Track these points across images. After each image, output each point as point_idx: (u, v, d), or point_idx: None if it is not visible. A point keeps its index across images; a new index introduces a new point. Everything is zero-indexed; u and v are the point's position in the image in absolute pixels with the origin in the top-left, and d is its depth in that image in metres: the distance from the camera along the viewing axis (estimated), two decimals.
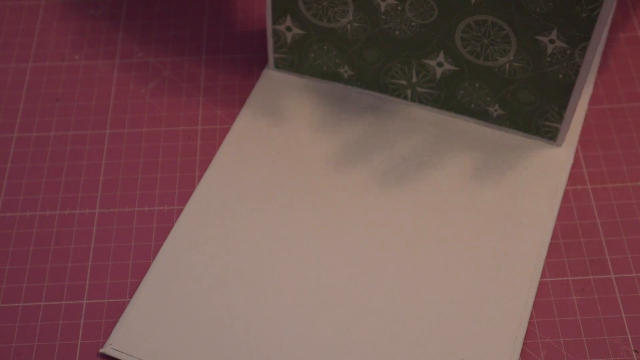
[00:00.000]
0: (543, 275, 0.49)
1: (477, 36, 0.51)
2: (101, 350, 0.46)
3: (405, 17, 0.52)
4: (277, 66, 0.58)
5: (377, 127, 0.55)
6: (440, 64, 0.53)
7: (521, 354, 0.46)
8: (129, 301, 0.48)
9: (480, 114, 0.55)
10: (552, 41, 0.49)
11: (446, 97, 0.55)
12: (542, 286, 0.49)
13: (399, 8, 0.51)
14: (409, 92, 0.56)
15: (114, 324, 0.48)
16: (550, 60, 0.50)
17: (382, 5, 0.52)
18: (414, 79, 0.55)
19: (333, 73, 0.57)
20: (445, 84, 0.54)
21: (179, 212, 0.52)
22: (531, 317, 0.47)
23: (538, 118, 0.53)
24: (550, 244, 0.50)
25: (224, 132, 0.56)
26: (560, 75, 0.50)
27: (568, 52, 0.49)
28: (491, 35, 0.50)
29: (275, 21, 0.55)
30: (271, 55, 0.58)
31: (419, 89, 0.55)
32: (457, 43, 0.52)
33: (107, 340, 0.47)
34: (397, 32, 0.53)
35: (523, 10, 0.48)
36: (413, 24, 0.52)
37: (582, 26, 0.48)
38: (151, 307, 0.48)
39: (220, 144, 0.55)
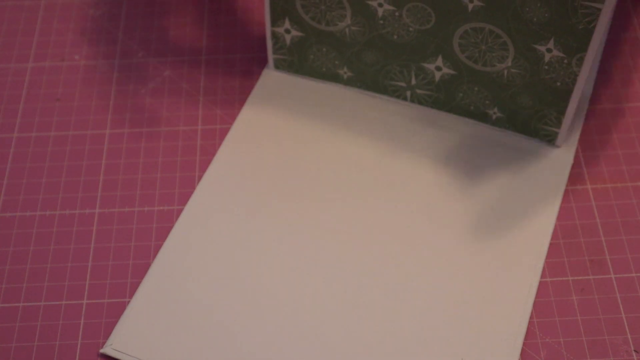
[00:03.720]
0: (543, 275, 0.49)
1: (475, 42, 0.51)
2: (101, 351, 0.46)
3: (403, 22, 0.52)
4: (277, 67, 0.58)
5: (377, 127, 0.55)
6: (438, 68, 0.53)
7: (521, 354, 0.46)
8: (129, 301, 0.48)
9: (480, 116, 0.55)
10: (549, 50, 0.49)
11: (445, 99, 0.55)
12: (542, 286, 0.49)
13: (397, 14, 0.51)
14: (408, 93, 0.56)
15: (114, 324, 0.48)
16: (548, 69, 0.50)
17: (380, 11, 0.52)
18: (413, 81, 0.55)
19: (332, 74, 0.57)
20: (444, 86, 0.54)
21: (179, 212, 0.52)
22: (531, 317, 0.47)
23: (537, 122, 0.53)
24: (550, 244, 0.50)
25: (224, 132, 0.56)
26: (558, 83, 0.50)
27: (565, 61, 0.49)
28: (489, 42, 0.50)
29: (274, 23, 0.55)
30: (270, 56, 0.58)
31: (418, 91, 0.55)
32: (455, 48, 0.52)
33: (107, 340, 0.47)
34: (395, 37, 0.53)
35: (519, 20, 0.48)
36: (411, 29, 0.52)
37: (579, 37, 0.48)
38: (151, 307, 0.48)
39: (220, 144, 0.55)
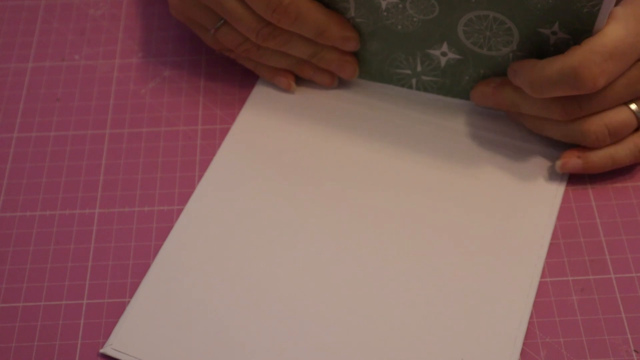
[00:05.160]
0: (543, 275, 0.49)
1: (480, 29, 0.51)
2: (101, 351, 0.46)
3: (407, 13, 0.52)
4: None
5: (378, 127, 0.55)
6: (444, 54, 0.53)
7: (521, 354, 0.46)
8: (129, 301, 0.48)
9: None
10: (554, 33, 0.49)
11: (451, 84, 0.55)
12: (542, 286, 0.49)
13: (400, 6, 0.51)
14: (413, 81, 0.56)
15: (114, 324, 0.48)
16: (554, 50, 0.50)
17: (383, 4, 0.52)
18: (419, 68, 0.55)
19: None
20: (450, 71, 0.54)
21: (179, 212, 0.52)
22: (531, 317, 0.47)
23: None
24: (550, 244, 0.50)
25: (224, 132, 0.56)
26: None
27: (571, 42, 0.49)
28: (493, 28, 0.50)
29: None
30: None
31: (423, 78, 0.55)
32: (460, 36, 0.52)
33: (107, 340, 0.47)
34: (399, 27, 0.53)
35: (523, 6, 0.48)
36: (415, 19, 0.52)
37: (584, 20, 0.48)
38: (151, 307, 0.48)
39: (220, 144, 0.55)
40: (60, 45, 0.61)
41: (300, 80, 0.58)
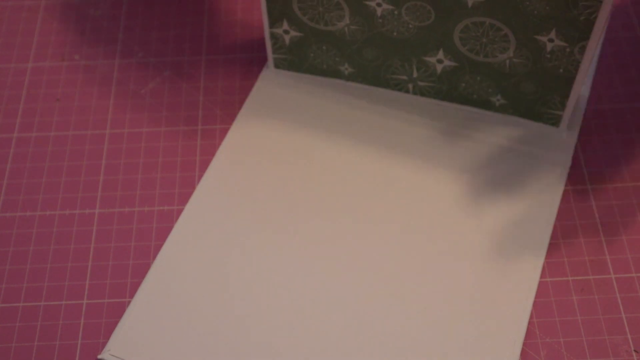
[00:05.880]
0: (543, 275, 0.49)
1: (476, 36, 0.51)
2: (99, 357, 0.46)
3: (402, 20, 0.52)
4: (277, 66, 0.58)
5: (377, 128, 0.55)
6: (440, 61, 0.53)
7: (521, 354, 0.46)
8: (129, 301, 0.48)
9: (483, 104, 0.55)
10: (551, 40, 0.49)
11: (448, 89, 0.55)
12: (542, 286, 0.49)
13: (396, 12, 0.51)
14: (410, 86, 0.56)
15: (114, 324, 0.48)
16: (550, 57, 0.50)
17: (379, 10, 0.52)
18: (415, 74, 0.55)
19: (333, 71, 0.57)
20: (446, 78, 0.54)
21: (179, 212, 0.52)
22: (531, 317, 0.47)
23: (541, 106, 0.53)
24: (550, 244, 0.50)
25: (224, 132, 0.56)
26: (561, 70, 0.51)
27: (567, 49, 0.49)
28: (489, 35, 0.50)
29: (272, 25, 0.55)
30: (270, 56, 0.58)
31: (420, 83, 0.55)
32: (456, 42, 0.52)
33: (107, 341, 0.47)
34: (395, 34, 0.53)
35: (520, 13, 0.48)
36: (410, 26, 0.52)
37: (581, 27, 0.48)
38: (150, 311, 0.48)
39: (220, 144, 0.55)
40: (60, 45, 0.61)
41: (299, 81, 0.58)
